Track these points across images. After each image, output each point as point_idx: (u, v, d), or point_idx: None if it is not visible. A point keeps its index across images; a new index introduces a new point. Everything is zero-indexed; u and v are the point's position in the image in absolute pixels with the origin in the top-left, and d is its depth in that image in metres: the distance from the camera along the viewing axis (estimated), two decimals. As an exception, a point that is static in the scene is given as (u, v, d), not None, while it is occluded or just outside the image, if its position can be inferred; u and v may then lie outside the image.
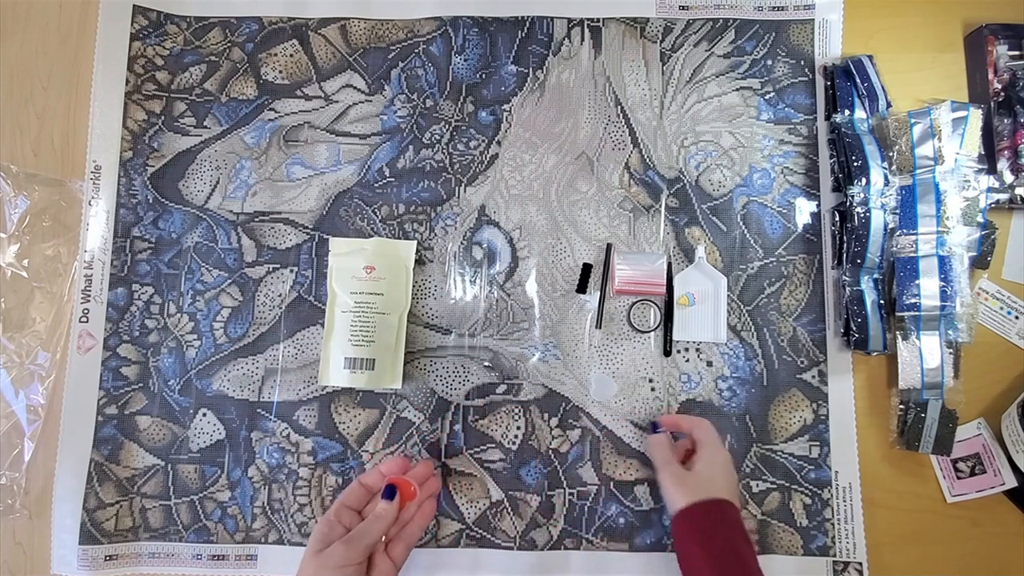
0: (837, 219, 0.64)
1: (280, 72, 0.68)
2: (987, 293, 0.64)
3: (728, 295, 0.64)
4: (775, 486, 0.62)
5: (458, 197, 0.66)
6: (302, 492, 0.63)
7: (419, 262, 0.65)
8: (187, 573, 0.63)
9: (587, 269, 0.65)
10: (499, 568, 0.62)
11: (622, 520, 0.62)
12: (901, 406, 0.62)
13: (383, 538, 0.54)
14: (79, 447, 0.63)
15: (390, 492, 0.55)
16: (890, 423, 0.63)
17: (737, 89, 0.67)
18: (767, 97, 0.67)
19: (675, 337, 0.64)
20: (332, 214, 0.66)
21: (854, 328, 0.61)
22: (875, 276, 0.63)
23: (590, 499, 0.63)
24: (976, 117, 0.61)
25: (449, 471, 0.63)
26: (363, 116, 0.68)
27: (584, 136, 0.67)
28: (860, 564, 0.61)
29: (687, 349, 0.64)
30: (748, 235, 0.65)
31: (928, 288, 0.60)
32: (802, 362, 0.64)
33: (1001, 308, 0.64)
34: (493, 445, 0.64)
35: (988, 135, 0.63)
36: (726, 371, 0.64)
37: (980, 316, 0.64)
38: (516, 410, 0.64)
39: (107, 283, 0.65)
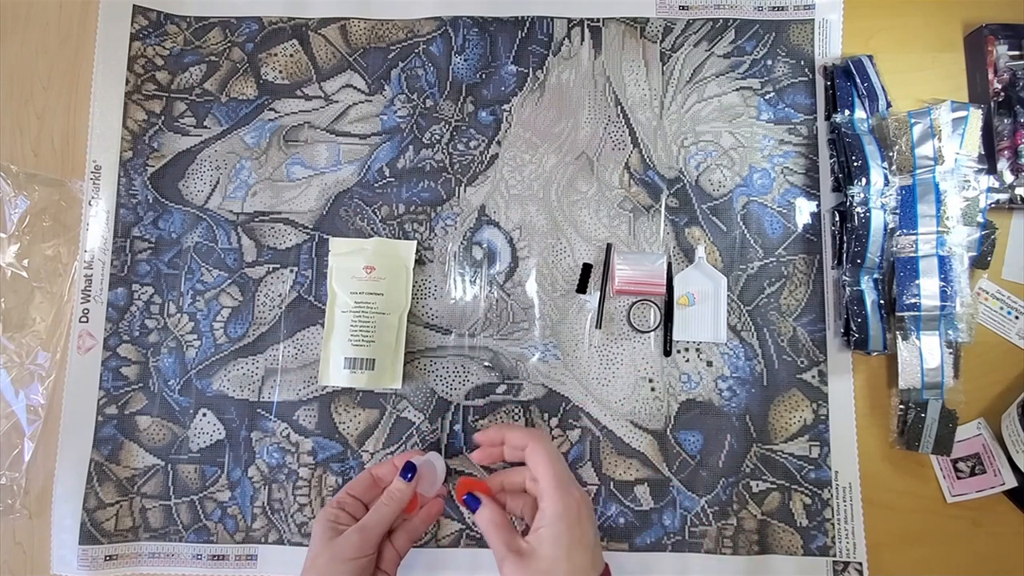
0: (837, 219, 0.64)
1: (280, 72, 0.68)
2: (987, 293, 0.64)
3: (728, 295, 0.64)
4: (775, 486, 0.62)
5: (458, 197, 0.66)
6: (302, 492, 0.63)
7: (419, 262, 0.65)
8: (187, 573, 0.63)
9: (587, 269, 0.65)
10: (499, 568, 0.62)
11: (622, 520, 0.62)
12: (901, 406, 0.62)
13: None
14: (79, 447, 0.63)
15: (410, 469, 0.54)
16: (890, 423, 0.63)
17: (737, 89, 0.67)
18: (767, 97, 0.67)
19: (675, 337, 0.64)
20: (332, 214, 0.66)
21: (854, 328, 0.61)
22: (875, 276, 0.63)
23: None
24: (976, 117, 0.61)
25: (449, 471, 0.63)
26: (363, 116, 0.67)
27: (584, 136, 0.67)
28: (860, 564, 0.61)
29: (687, 349, 0.64)
30: (748, 235, 0.65)
31: (928, 288, 0.60)
32: (802, 362, 0.64)
33: (1001, 308, 0.64)
34: (493, 445, 0.64)
35: (988, 135, 0.63)
36: (726, 371, 0.64)
37: (980, 316, 0.64)
38: (516, 410, 0.64)
39: (107, 283, 0.65)
